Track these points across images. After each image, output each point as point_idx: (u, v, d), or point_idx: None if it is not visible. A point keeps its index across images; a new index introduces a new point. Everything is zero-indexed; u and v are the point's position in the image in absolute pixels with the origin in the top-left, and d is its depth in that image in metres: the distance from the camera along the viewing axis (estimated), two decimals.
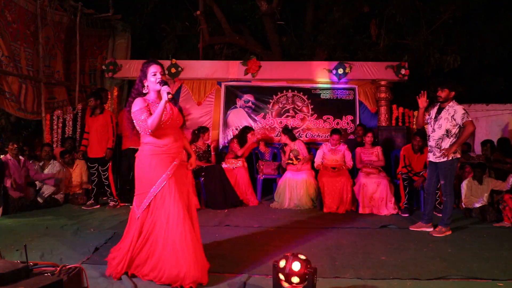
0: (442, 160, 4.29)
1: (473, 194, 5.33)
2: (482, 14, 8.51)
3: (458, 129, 4.28)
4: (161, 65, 3.07)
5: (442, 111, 4.34)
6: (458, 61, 7.81)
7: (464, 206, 5.41)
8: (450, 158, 4.25)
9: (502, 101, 7.46)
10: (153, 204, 2.89)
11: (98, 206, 5.68)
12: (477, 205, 5.25)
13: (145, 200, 2.90)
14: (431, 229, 4.45)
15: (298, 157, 6.16)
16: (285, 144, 6.37)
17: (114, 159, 5.96)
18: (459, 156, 4.34)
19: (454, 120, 4.24)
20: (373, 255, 3.62)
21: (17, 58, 6.36)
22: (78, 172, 6.30)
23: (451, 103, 4.31)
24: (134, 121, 2.94)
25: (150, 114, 2.88)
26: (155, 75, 2.97)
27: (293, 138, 6.37)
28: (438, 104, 4.43)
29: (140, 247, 2.90)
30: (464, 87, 8.66)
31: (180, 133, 3.09)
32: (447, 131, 4.28)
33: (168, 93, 2.84)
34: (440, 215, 5.31)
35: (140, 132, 2.94)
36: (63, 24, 7.39)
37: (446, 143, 4.29)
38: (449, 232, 4.34)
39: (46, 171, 5.85)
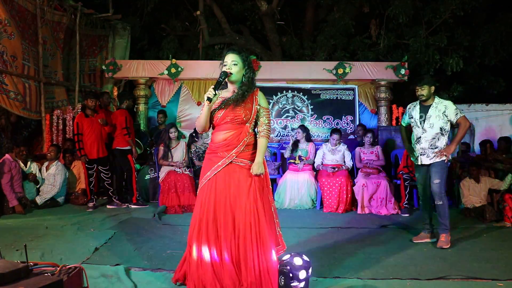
0: (440, 159, 3.96)
1: (471, 193, 5.34)
2: (483, 14, 8.52)
3: (449, 125, 4.00)
4: (239, 54, 2.74)
5: (430, 109, 4.01)
6: (461, 65, 7.82)
7: (463, 206, 5.41)
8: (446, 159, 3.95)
9: (502, 101, 7.47)
10: (195, 205, 2.81)
11: (92, 204, 5.68)
12: (477, 204, 5.25)
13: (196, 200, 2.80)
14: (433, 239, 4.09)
15: (303, 157, 6.13)
16: (297, 140, 6.28)
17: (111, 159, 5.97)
18: (454, 155, 4.27)
19: (446, 116, 3.96)
20: (373, 255, 3.61)
21: (27, 57, 6.39)
22: (76, 172, 6.32)
23: (436, 100, 4.03)
24: None
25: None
26: (225, 65, 2.73)
27: (309, 139, 6.33)
28: (418, 102, 4.13)
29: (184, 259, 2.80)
30: (464, 87, 8.69)
31: (240, 130, 2.73)
32: (441, 129, 3.98)
33: (208, 98, 2.60)
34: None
35: None
36: (62, 24, 7.40)
37: (442, 142, 3.98)
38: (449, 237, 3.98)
39: (50, 171, 5.86)
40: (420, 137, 4.06)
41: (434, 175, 3.98)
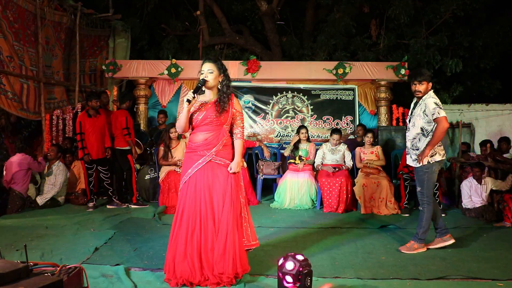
0: (418, 165, 3.69)
1: (473, 194, 5.32)
2: (483, 14, 8.52)
3: (435, 125, 3.63)
4: (215, 62, 2.98)
5: (416, 106, 3.73)
6: (460, 66, 7.82)
7: (464, 206, 5.41)
8: (426, 162, 3.63)
9: (501, 101, 7.47)
10: (179, 200, 3.01)
11: (92, 204, 5.69)
12: (477, 205, 5.25)
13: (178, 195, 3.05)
14: (452, 241, 3.81)
15: (303, 157, 6.13)
16: (298, 141, 6.24)
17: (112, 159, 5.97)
18: (438, 158, 3.66)
19: (426, 115, 3.61)
20: (373, 255, 3.62)
21: (22, 58, 6.37)
22: (76, 172, 6.32)
23: (424, 96, 3.68)
24: None
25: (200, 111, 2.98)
26: (202, 73, 2.97)
27: (309, 139, 6.37)
28: (416, 98, 3.81)
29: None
30: (464, 87, 8.69)
31: (219, 131, 2.98)
32: (422, 129, 3.65)
33: (188, 100, 2.85)
34: (445, 215, 5.31)
35: None
36: (62, 24, 7.39)
37: (423, 143, 3.66)
38: (422, 249, 3.70)
39: (51, 171, 5.86)
40: (406, 135, 3.87)
41: (417, 182, 3.79)
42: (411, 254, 3.64)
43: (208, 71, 2.95)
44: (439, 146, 3.69)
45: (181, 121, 2.92)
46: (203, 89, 2.98)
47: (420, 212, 3.80)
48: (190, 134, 3.06)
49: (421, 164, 3.65)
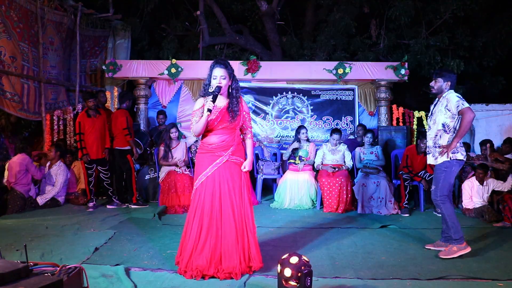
0: (439, 160, 3.66)
1: (474, 194, 5.32)
2: (483, 14, 8.51)
3: (458, 121, 3.62)
4: (226, 67, 3.10)
5: (436, 104, 3.76)
6: (462, 67, 7.81)
7: (464, 206, 5.41)
8: (448, 158, 3.58)
9: (502, 101, 7.47)
10: (195, 197, 3.15)
11: (92, 204, 5.70)
12: (477, 205, 5.25)
13: (192, 193, 3.21)
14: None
15: (303, 158, 6.13)
16: (298, 141, 6.23)
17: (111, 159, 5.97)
18: (460, 157, 3.60)
19: (449, 111, 3.60)
20: (373, 255, 3.62)
21: (26, 58, 6.37)
22: (77, 173, 6.32)
23: (443, 94, 3.70)
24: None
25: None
26: (215, 79, 3.09)
27: (309, 140, 6.38)
28: (437, 98, 3.84)
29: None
30: (465, 87, 8.69)
31: (233, 133, 3.18)
32: (444, 125, 3.63)
33: (208, 109, 2.99)
34: None
35: None
36: (63, 24, 7.39)
37: (445, 140, 3.63)
38: (465, 250, 3.54)
39: (51, 171, 5.86)
40: (426, 134, 3.86)
41: (433, 180, 3.76)
42: (411, 254, 3.64)
43: (221, 77, 3.08)
44: (461, 146, 3.65)
45: (200, 128, 3.06)
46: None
47: (442, 215, 3.70)
48: (203, 137, 3.19)
49: (444, 157, 3.59)
